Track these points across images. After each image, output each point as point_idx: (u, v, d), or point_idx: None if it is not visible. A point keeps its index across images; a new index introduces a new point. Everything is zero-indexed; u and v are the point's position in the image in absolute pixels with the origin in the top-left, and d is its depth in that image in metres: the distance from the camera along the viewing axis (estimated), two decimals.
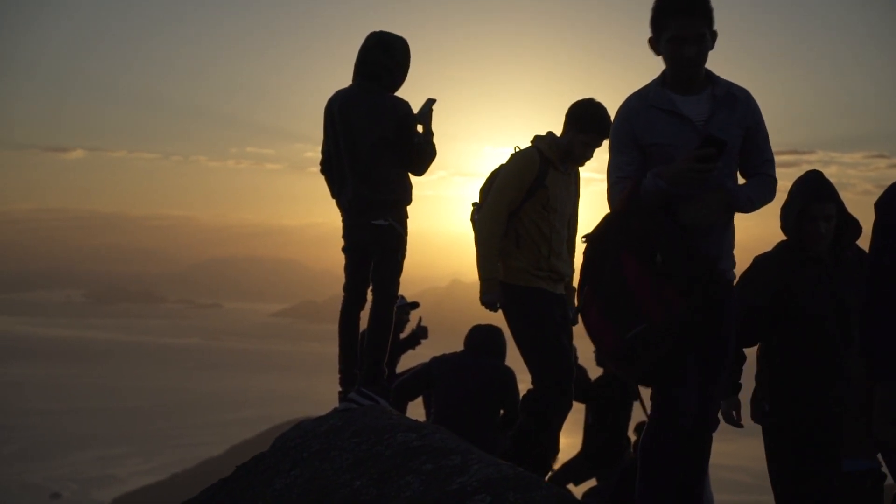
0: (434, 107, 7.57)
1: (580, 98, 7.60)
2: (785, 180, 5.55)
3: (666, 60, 5.21)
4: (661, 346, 4.92)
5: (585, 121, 7.40)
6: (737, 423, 6.75)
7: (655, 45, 5.20)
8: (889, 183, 4.59)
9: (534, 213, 7.41)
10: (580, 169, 7.65)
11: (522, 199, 7.42)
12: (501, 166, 7.59)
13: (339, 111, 7.42)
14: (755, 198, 5.31)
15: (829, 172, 6.82)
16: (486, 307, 7.49)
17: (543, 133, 7.58)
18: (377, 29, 7.56)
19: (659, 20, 5.13)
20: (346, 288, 7.60)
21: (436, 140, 7.54)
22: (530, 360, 7.43)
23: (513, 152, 7.56)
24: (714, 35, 5.16)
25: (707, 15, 5.10)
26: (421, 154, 7.42)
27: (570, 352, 7.46)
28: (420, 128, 7.45)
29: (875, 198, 4.61)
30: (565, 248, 7.58)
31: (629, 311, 4.92)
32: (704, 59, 5.18)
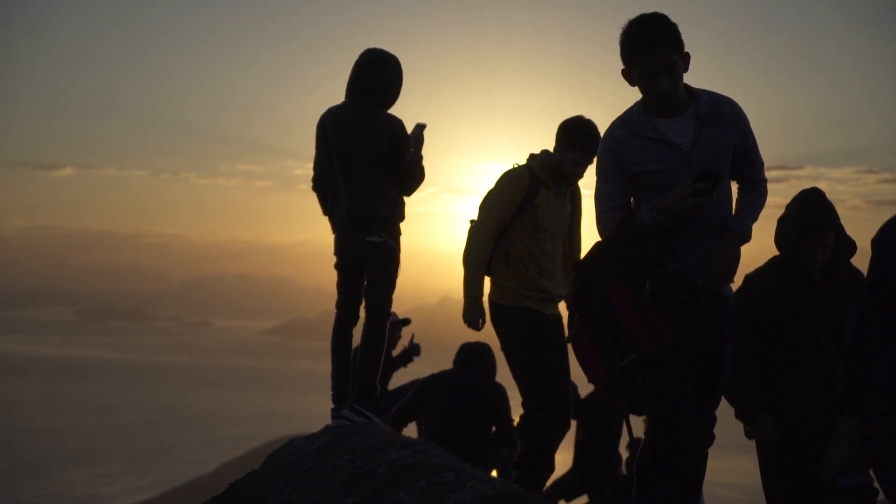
0: (425, 131, 7.59)
1: (571, 115, 7.61)
2: (774, 195, 5.56)
3: (641, 92, 5.18)
4: (650, 377, 4.91)
5: (574, 139, 7.40)
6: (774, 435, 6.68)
7: (629, 76, 5.18)
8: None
9: (523, 232, 7.42)
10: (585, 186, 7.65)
11: (511, 218, 7.43)
12: None
13: (333, 127, 7.43)
14: (756, 217, 5.34)
15: (818, 187, 6.80)
16: (468, 325, 7.51)
17: (538, 150, 7.58)
18: (367, 45, 7.60)
19: (627, 54, 5.10)
20: (339, 304, 7.59)
21: (426, 156, 7.55)
22: (519, 380, 7.44)
23: (506, 170, 7.57)
24: (686, 57, 5.12)
25: (674, 41, 5.05)
26: (411, 174, 7.44)
27: (561, 371, 7.45)
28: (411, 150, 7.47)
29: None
30: (557, 267, 7.55)
31: (619, 341, 4.90)
32: (679, 85, 5.13)
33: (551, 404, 7.31)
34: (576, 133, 7.40)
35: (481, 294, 7.45)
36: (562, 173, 7.46)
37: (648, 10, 5.16)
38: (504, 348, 7.53)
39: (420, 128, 7.56)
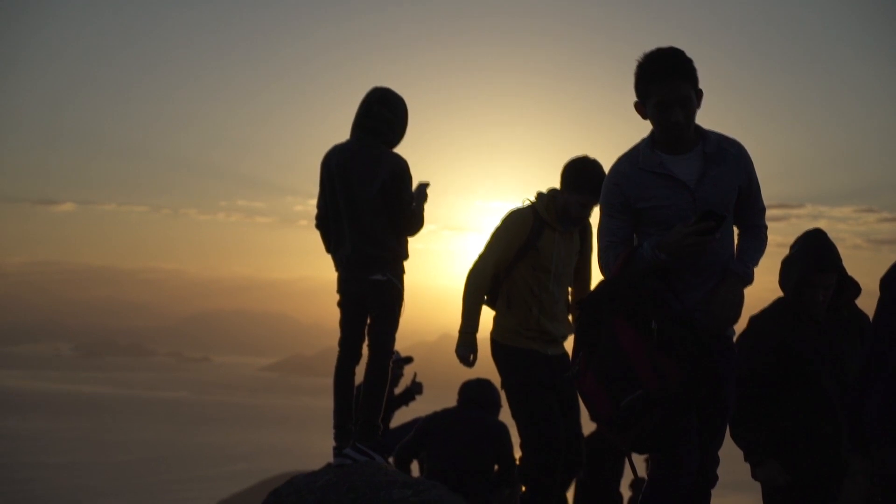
0: (428, 189, 7.61)
1: (573, 153, 7.60)
2: (774, 234, 5.55)
3: (654, 125, 5.20)
4: (655, 415, 4.90)
5: (580, 181, 7.34)
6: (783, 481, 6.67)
7: (642, 109, 5.21)
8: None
9: (526, 273, 7.41)
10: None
11: (513, 258, 7.43)
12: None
13: (337, 166, 7.45)
14: (757, 262, 5.36)
15: (818, 226, 6.82)
16: (460, 360, 7.52)
17: (538, 188, 7.56)
18: (367, 82, 7.64)
19: (643, 85, 5.13)
20: (342, 343, 7.58)
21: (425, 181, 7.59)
22: (518, 421, 7.43)
23: (511, 209, 7.57)
24: (700, 94, 5.16)
25: (691, 76, 5.10)
26: (410, 219, 7.44)
27: (559, 414, 7.40)
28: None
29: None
30: (561, 308, 7.53)
31: (624, 378, 4.89)
32: (692, 121, 5.16)
33: (547, 448, 7.28)
34: (582, 175, 7.36)
35: (475, 331, 7.45)
36: (568, 214, 7.43)
37: (650, 48, 5.20)
38: (503, 387, 7.54)
39: (424, 186, 7.58)
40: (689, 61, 5.11)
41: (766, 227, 5.49)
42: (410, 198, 7.43)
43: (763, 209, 5.47)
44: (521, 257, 7.41)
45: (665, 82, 5.06)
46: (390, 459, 8.37)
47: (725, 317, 5.22)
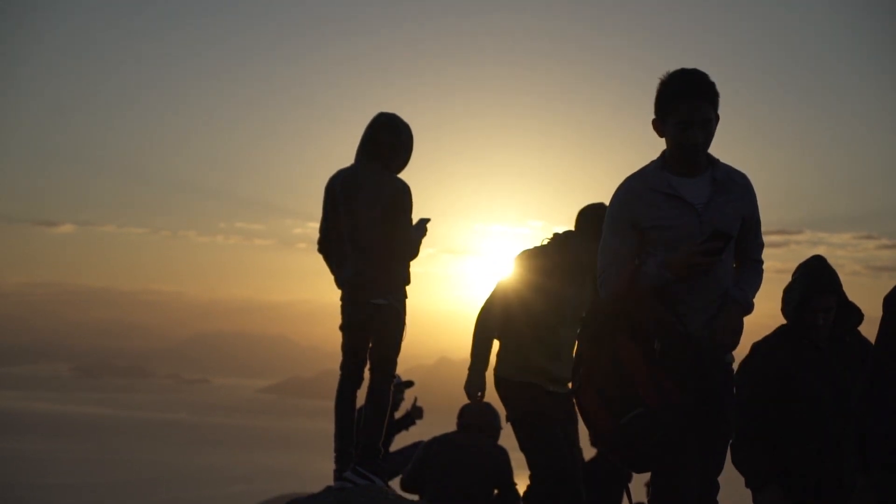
0: (430, 224, 7.64)
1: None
2: (773, 260, 5.59)
3: (670, 143, 5.21)
4: (655, 433, 4.91)
5: (599, 230, 7.22)
6: None
7: (660, 126, 5.22)
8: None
9: (536, 314, 7.35)
10: None
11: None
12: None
13: (341, 190, 7.47)
14: (754, 293, 5.36)
15: (817, 253, 6.85)
16: (468, 397, 7.52)
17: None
18: (367, 105, 7.72)
19: (666, 102, 5.13)
20: (344, 366, 7.60)
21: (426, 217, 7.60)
22: (526, 452, 7.41)
23: (523, 250, 7.52)
24: (717, 119, 5.17)
25: (714, 100, 5.11)
26: (405, 245, 7.45)
27: (565, 445, 7.39)
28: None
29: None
30: (568, 351, 7.29)
31: (625, 396, 4.89)
32: (709, 144, 5.19)
33: (555, 476, 7.27)
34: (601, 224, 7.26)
35: (484, 367, 7.45)
36: (580, 263, 7.33)
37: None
38: (509, 420, 7.55)
39: (424, 221, 7.62)
40: (714, 85, 5.12)
41: (762, 264, 5.49)
42: (408, 223, 7.44)
43: (762, 245, 5.48)
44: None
45: (688, 102, 5.07)
46: (390, 483, 8.36)
47: (725, 342, 5.22)
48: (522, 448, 7.42)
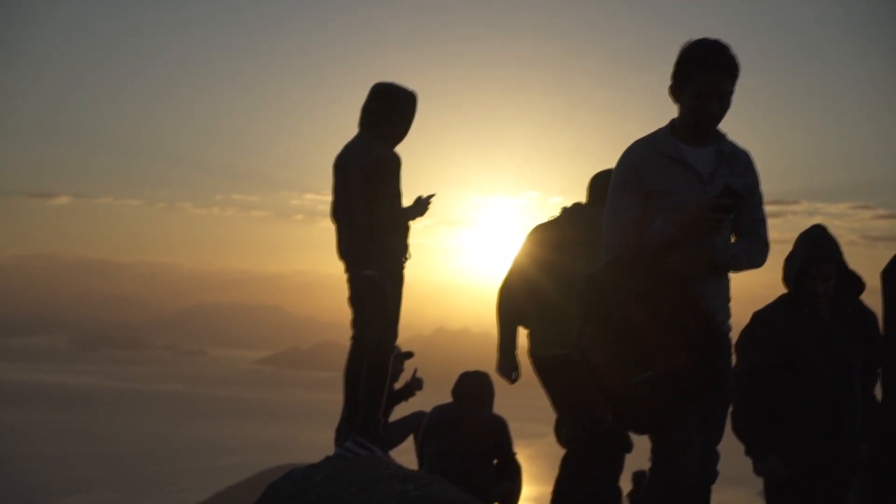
0: (434, 199, 7.58)
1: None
2: (770, 231, 5.53)
3: (684, 111, 5.21)
4: (664, 394, 4.90)
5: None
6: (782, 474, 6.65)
7: (677, 93, 5.21)
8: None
9: (556, 287, 7.30)
10: None
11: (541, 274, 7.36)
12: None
13: (340, 161, 7.48)
14: (743, 258, 5.29)
15: (814, 223, 6.85)
16: (502, 377, 7.47)
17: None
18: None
19: (687, 71, 5.13)
20: (352, 338, 7.63)
21: (422, 189, 7.55)
22: (566, 417, 7.37)
23: (537, 224, 7.48)
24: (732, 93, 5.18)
25: (735, 73, 5.12)
26: (383, 214, 7.35)
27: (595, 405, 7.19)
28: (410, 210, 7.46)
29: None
30: None
31: (636, 357, 4.87)
32: (723, 117, 5.20)
33: (600, 432, 7.13)
34: None
35: (512, 348, 7.37)
36: (596, 234, 7.24)
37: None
38: (549, 397, 7.44)
39: (426, 199, 7.54)
40: (735, 58, 5.12)
41: (766, 242, 5.42)
42: (389, 192, 7.35)
43: (763, 221, 5.44)
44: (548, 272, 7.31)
45: (710, 73, 5.07)
46: (390, 453, 8.37)
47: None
48: (563, 415, 7.36)
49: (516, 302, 7.41)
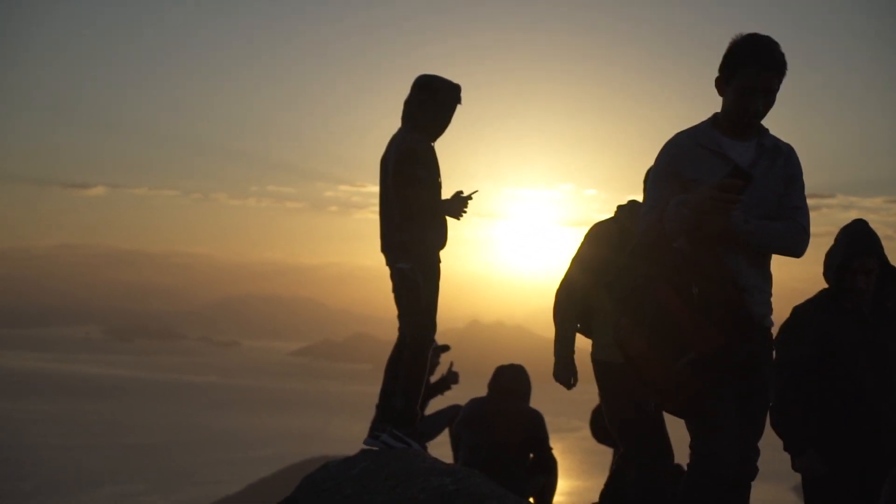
0: (477, 194, 7.49)
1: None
2: None
3: (728, 105, 5.20)
4: (708, 375, 4.93)
5: None
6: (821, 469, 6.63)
7: (723, 86, 5.20)
8: None
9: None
10: None
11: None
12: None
13: (383, 156, 7.50)
14: (765, 234, 5.18)
15: (849, 217, 6.69)
16: (560, 383, 7.27)
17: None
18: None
19: (734, 65, 5.12)
20: (398, 329, 7.62)
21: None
22: (619, 437, 7.03)
23: (595, 223, 7.29)
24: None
25: (783, 72, 5.11)
26: (406, 201, 7.33)
27: (659, 425, 6.85)
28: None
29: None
30: None
31: (676, 341, 4.91)
32: (766, 114, 5.19)
33: (651, 462, 6.82)
34: None
35: (570, 351, 7.17)
36: None
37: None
38: (604, 405, 7.08)
39: (472, 194, 7.47)
40: (783, 56, 5.11)
41: (802, 228, 5.30)
42: (416, 180, 7.30)
43: (801, 208, 5.32)
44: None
45: (758, 70, 5.07)
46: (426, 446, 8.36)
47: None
48: (616, 431, 6.99)
49: (576, 304, 7.24)
